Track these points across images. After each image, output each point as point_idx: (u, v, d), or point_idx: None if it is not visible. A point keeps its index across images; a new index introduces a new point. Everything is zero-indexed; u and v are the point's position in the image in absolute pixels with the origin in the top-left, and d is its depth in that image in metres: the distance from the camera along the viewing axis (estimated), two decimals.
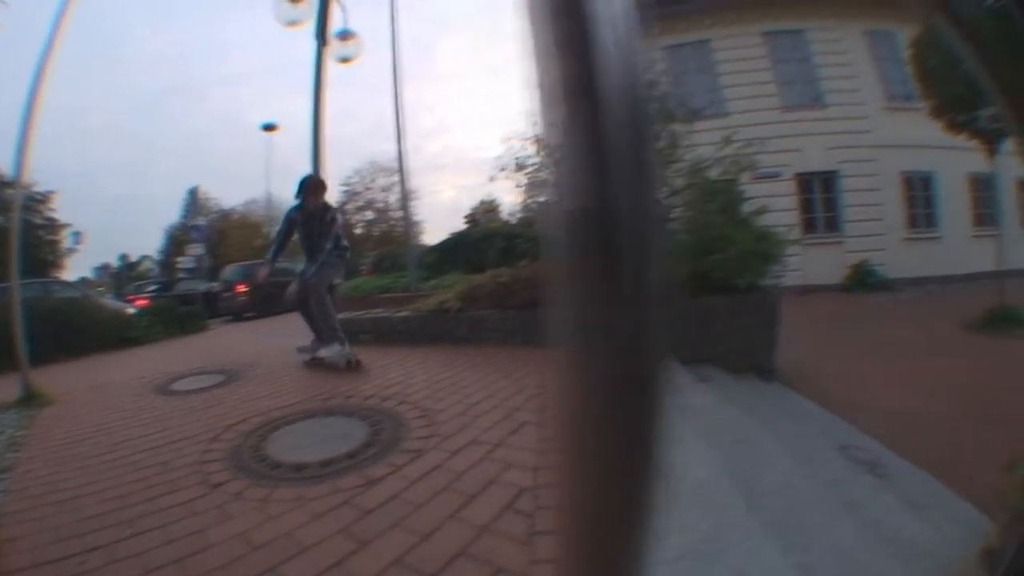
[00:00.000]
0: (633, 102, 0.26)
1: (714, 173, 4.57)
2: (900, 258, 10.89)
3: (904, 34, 8.92)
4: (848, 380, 4.83)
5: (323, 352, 4.28)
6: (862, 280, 10.63)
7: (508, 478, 1.99)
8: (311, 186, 4.30)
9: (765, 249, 4.40)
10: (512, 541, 1.59)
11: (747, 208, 4.58)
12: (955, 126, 6.53)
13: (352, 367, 4.08)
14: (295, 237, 4.44)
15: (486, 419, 2.63)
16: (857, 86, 11.29)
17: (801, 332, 6.43)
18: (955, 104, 6.27)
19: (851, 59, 11.31)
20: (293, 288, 4.41)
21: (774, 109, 11.32)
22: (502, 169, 5.61)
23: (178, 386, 4.17)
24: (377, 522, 1.76)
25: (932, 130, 7.16)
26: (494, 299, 4.72)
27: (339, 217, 4.42)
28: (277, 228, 4.59)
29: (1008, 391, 4.22)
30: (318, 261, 4.24)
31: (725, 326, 4.30)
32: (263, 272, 4.53)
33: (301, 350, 4.55)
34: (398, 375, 3.73)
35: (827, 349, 6.02)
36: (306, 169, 5.83)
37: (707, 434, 2.69)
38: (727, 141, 4.75)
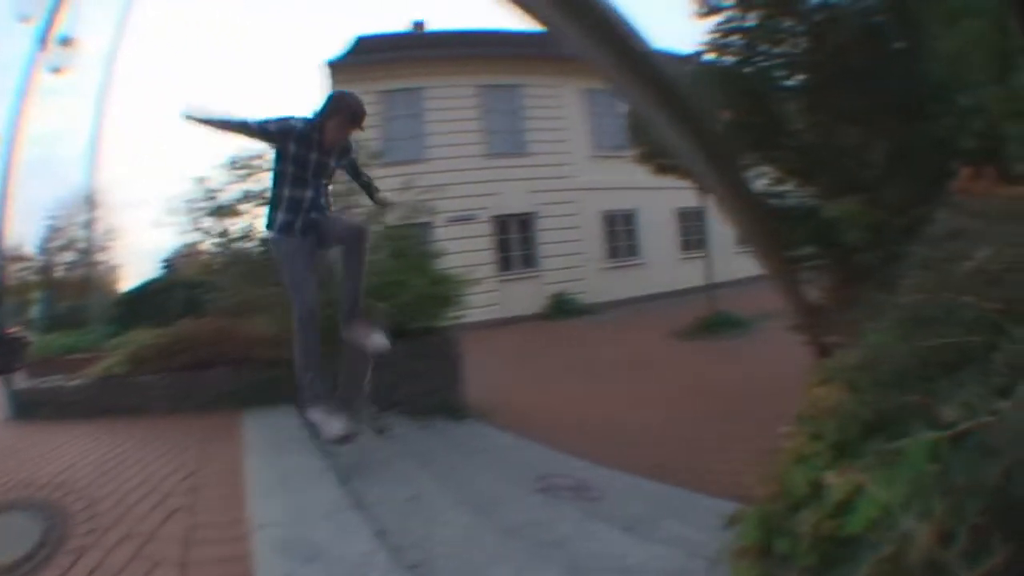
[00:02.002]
0: None
1: (391, 218, 4.59)
2: (601, 285, 12.87)
3: None
4: (550, 404, 5.16)
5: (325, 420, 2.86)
6: (560, 308, 12.15)
7: None
8: (351, 112, 2.71)
9: (442, 291, 4.56)
10: None
11: (425, 251, 4.71)
12: (664, 169, 7.30)
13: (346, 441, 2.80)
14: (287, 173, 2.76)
15: (141, 506, 2.50)
16: (565, 137, 13.20)
17: (498, 364, 6.85)
18: (662, 151, 6.68)
19: (565, 113, 13.23)
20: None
21: (478, 156, 12.46)
22: (171, 212, 4.88)
23: None
24: None
25: (638, 174, 8.35)
26: (160, 361, 4.38)
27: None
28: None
29: (722, 384, 4.77)
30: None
31: (404, 371, 4.28)
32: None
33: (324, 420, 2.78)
34: (73, 456, 3.39)
35: (525, 377, 6.49)
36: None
37: (373, 497, 2.48)
38: (407, 186, 4.84)
